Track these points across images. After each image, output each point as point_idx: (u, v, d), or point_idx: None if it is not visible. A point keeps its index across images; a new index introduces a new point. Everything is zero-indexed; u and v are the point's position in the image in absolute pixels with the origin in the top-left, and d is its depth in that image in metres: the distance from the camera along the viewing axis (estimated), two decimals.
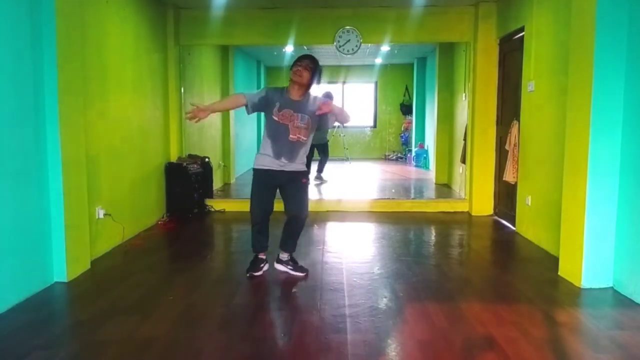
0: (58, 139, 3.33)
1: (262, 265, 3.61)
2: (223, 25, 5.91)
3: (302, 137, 3.36)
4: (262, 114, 3.48)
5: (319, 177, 7.95)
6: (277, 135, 3.34)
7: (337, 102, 11.84)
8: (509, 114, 5.22)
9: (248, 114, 3.50)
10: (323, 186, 7.68)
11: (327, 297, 3.18)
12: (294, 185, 3.44)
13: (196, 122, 3.32)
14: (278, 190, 3.53)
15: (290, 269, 3.60)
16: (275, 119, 3.32)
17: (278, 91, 3.43)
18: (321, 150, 7.87)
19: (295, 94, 3.36)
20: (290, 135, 3.32)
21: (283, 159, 3.35)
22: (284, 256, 3.62)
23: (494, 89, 5.67)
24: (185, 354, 2.42)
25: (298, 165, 3.42)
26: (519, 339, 2.56)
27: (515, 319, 2.81)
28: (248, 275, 3.54)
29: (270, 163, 3.37)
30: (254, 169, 3.47)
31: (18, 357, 2.37)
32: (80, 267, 3.60)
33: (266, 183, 3.44)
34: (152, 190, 5.26)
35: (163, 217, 5.49)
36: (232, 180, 8.16)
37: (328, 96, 7.86)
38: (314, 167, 7.77)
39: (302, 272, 3.59)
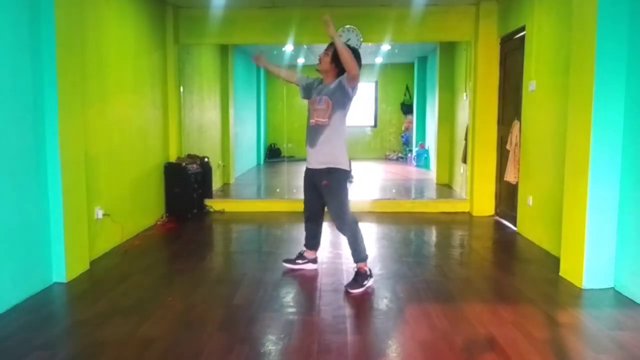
0: (57, 139, 3.32)
1: (299, 260, 3.69)
2: (222, 25, 5.89)
3: (321, 120, 3.23)
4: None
5: None
6: (307, 123, 3.37)
7: None
8: (510, 114, 5.21)
9: (301, 96, 3.52)
10: None
11: (327, 297, 3.17)
12: (321, 190, 3.32)
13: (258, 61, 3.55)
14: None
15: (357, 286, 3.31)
16: (308, 107, 3.37)
17: (318, 80, 3.44)
18: None
19: (326, 82, 3.34)
20: (310, 120, 3.31)
21: (308, 147, 3.34)
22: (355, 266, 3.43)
23: (495, 89, 5.66)
24: (185, 354, 2.41)
25: (320, 157, 3.25)
26: (520, 339, 2.55)
27: (516, 319, 2.80)
28: (282, 262, 3.69)
29: (307, 157, 3.37)
30: None
31: (18, 357, 2.36)
32: (79, 268, 3.59)
33: (307, 181, 3.44)
34: (151, 190, 5.25)
35: (162, 218, 5.48)
36: (232, 181, 8.15)
37: None
38: None
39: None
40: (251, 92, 10.00)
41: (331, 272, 3.64)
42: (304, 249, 3.70)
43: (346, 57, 3.04)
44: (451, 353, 2.42)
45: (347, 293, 3.22)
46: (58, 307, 3.15)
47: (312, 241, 3.68)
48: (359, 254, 3.37)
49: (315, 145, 3.26)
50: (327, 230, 5.08)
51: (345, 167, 3.30)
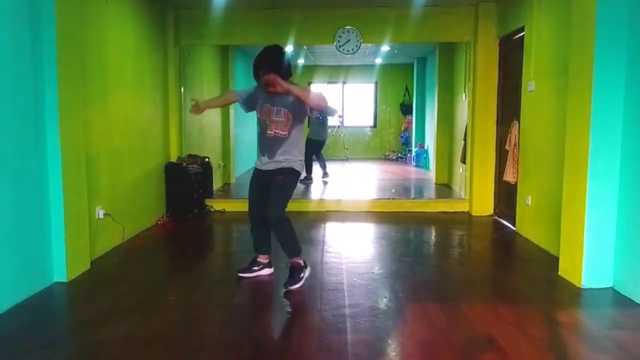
0: (58, 139, 3.33)
1: (254, 267, 3.55)
2: (223, 25, 5.90)
3: (280, 132, 3.24)
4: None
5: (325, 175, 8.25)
6: (261, 132, 3.35)
7: (336, 101, 11.87)
8: (509, 114, 5.22)
9: (245, 111, 3.53)
10: (320, 185, 7.70)
11: (327, 297, 3.18)
12: (271, 185, 3.29)
13: (197, 114, 3.52)
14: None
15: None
16: (259, 116, 3.34)
17: (258, 89, 3.36)
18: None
19: (276, 91, 3.23)
20: (268, 131, 3.27)
21: (265, 157, 3.30)
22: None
23: (494, 89, 5.67)
24: (185, 354, 2.42)
25: (279, 163, 3.27)
26: (519, 339, 2.56)
27: (515, 319, 2.81)
28: (237, 273, 3.53)
29: (258, 161, 3.37)
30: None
31: (18, 357, 2.37)
32: (80, 267, 3.59)
33: (256, 182, 3.41)
34: (152, 190, 5.26)
35: (163, 217, 5.49)
36: (232, 180, 8.16)
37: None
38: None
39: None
40: None
41: (332, 272, 3.65)
42: (256, 254, 3.58)
43: (316, 101, 3.13)
44: (450, 352, 2.43)
45: (287, 291, 3.23)
46: (58, 306, 3.16)
47: (264, 245, 3.54)
48: (291, 249, 3.38)
49: (274, 156, 3.27)
50: (327, 230, 5.10)
51: (300, 170, 3.36)
